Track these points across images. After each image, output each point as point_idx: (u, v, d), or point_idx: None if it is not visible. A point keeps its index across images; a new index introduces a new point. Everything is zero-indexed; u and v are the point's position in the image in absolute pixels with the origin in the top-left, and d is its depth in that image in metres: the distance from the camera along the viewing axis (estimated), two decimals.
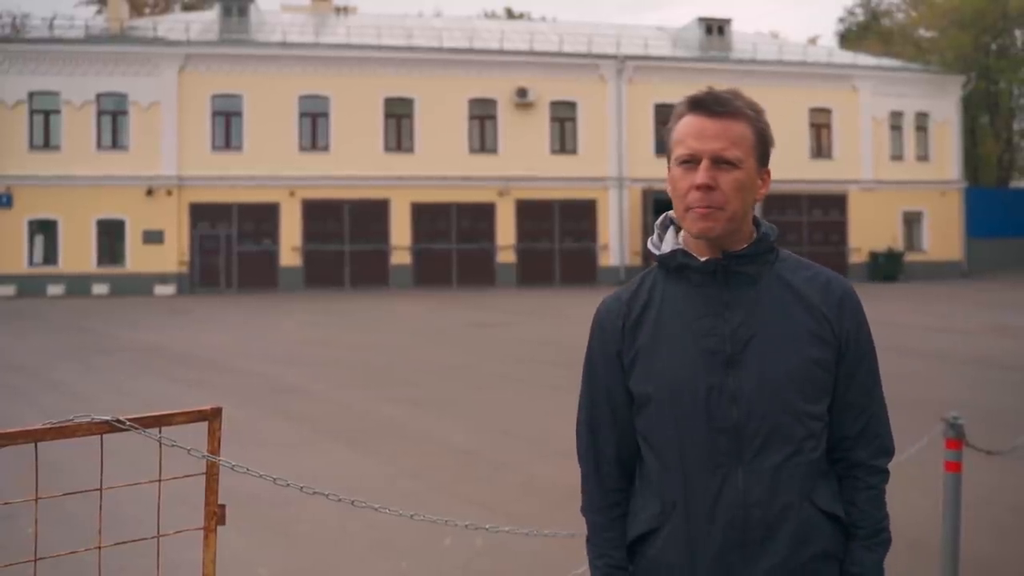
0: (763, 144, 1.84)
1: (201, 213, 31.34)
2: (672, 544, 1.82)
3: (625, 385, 1.89)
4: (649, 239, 1.96)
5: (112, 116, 31.29)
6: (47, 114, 30.90)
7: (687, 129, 1.81)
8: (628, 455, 1.93)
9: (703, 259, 1.83)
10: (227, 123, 31.85)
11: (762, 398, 1.77)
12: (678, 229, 1.92)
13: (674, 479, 1.82)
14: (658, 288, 1.89)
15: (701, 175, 1.78)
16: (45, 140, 30.88)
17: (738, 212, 1.81)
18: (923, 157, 37.30)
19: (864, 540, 1.85)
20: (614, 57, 34.37)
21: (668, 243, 1.90)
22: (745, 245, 1.84)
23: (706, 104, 1.81)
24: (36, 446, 2.12)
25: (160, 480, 2.29)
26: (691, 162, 1.80)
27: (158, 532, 2.35)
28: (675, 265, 1.86)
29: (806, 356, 1.80)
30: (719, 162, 1.78)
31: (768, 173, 1.88)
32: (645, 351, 1.85)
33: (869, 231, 35.73)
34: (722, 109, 1.80)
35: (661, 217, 1.97)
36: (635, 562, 1.90)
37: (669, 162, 1.87)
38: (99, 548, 2.25)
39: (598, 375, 1.94)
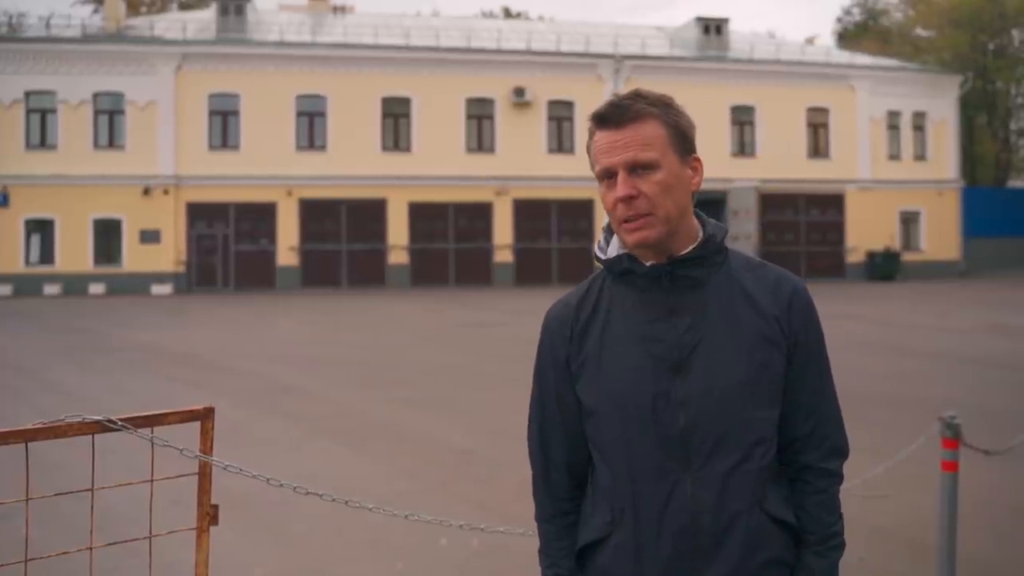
0: (679, 135, 1.80)
1: (198, 212, 31.31)
2: (620, 552, 1.79)
3: (574, 392, 1.86)
4: (596, 243, 1.93)
5: (109, 115, 31.24)
6: (43, 113, 30.86)
7: (599, 145, 1.80)
8: (579, 462, 1.89)
9: (648, 264, 1.80)
10: (224, 122, 31.82)
11: (709, 405, 1.74)
12: None
13: (622, 487, 1.79)
14: (605, 293, 1.86)
15: (620, 187, 1.75)
16: (42, 139, 30.83)
17: (671, 212, 1.77)
18: (920, 157, 37.33)
19: (815, 546, 1.81)
20: (612, 57, 34.38)
21: (614, 248, 1.87)
22: (691, 246, 1.80)
23: (609, 116, 1.79)
24: (27, 446, 2.11)
25: (152, 480, 2.28)
26: (610, 176, 1.78)
27: (150, 532, 2.34)
28: (621, 270, 1.83)
29: (755, 360, 1.76)
30: (636, 168, 1.75)
31: (697, 160, 1.83)
32: (592, 358, 1.82)
33: (866, 231, 35.75)
34: (625, 117, 1.77)
35: (607, 221, 1.93)
36: (584, 570, 1.87)
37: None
38: (91, 548, 2.23)
39: (548, 382, 1.91)
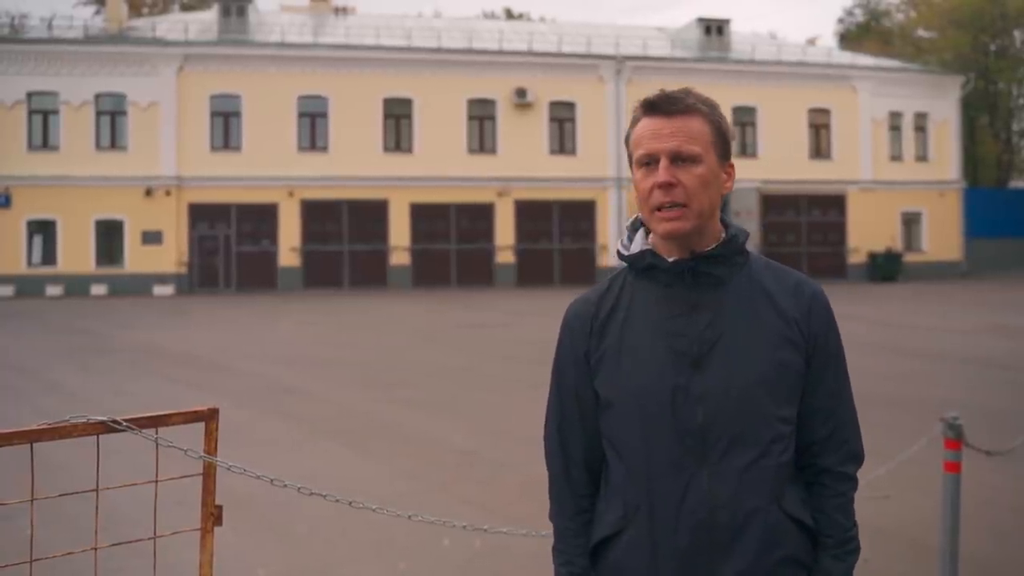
0: (722, 138, 1.84)
1: (200, 213, 31.33)
2: (635, 547, 1.80)
3: (593, 387, 1.87)
4: (619, 240, 1.95)
5: (111, 116, 31.27)
6: (46, 114, 30.88)
7: (644, 131, 1.82)
8: (596, 459, 1.91)
9: (671, 260, 1.82)
10: (226, 123, 31.84)
11: (728, 400, 1.76)
12: (648, 230, 1.90)
13: (638, 481, 1.80)
14: (627, 290, 1.88)
15: (661, 173, 1.78)
16: (44, 140, 30.86)
17: (704, 209, 1.80)
18: (922, 157, 37.31)
19: (832, 549, 1.83)
20: (613, 58, 34.38)
21: (637, 244, 1.89)
22: (714, 245, 1.83)
23: (660, 105, 1.81)
24: (32, 447, 2.12)
25: (156, 481, 2.28)
26: (651, 163, 1.80)
27: (155, 533, 2.34)
28: (644, 266, 1.85)
29: (774, 358, 1.79)
30: (678, 159, 1.78)
31: (732, 167, 1.88)
32: (611, 352, 1.84)
33: (868, 231, 35.73)
34: (676, 107, 1.80)
35: (631, 218, 1.96)
36: (597, 566, 1.88)
37: (631, 168, 1.86)
38: (95, 549, 2.24)
39: (567, 377, 1.92)
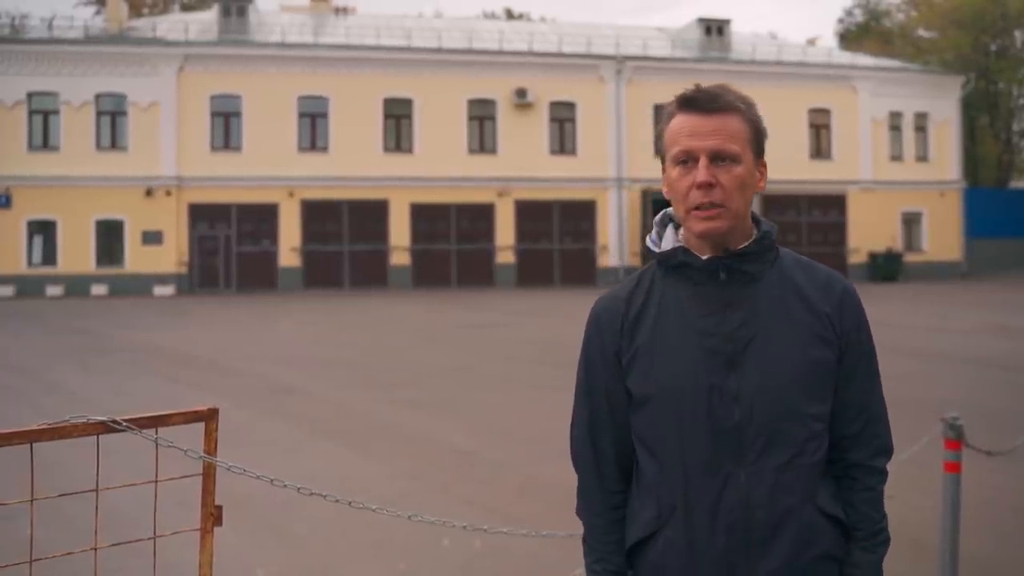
0: (758, 136, 1.82)
1: (200, 213, 31.35)
2: (673, 547, 1.79)
3: (624, 385, 1.85)
4: (648, 236, 1.93)
5: (111, 116, 31.29)
6: (46, 114, 30.91)
7: (681, 128, 1.79)
8: (626, 455, 1.89)
9: (704, 258, 1.80)
10: (226, 123, 31.85)
11: (763, 399, 1.75)
12: (677, 226, 1.89)
13: (673, 481, 1.79)
14: (657, 287, 1.86)
15: (701, 173, 1.75)
16: (44, 140, 30.88)
17: (740, 209, 1.78)
18: (922, 157, 37.31)
19: (863, 541, 1.83)
20: (613, 58, 34.39)
21: (668, 241, 1.87)
22: (746, 243, 1.81)
23: (698, 101, 1.78)
24: (32, 447, 2.11)
25: (156, 481, 2.28)
26: (688, 161, 1.77)
27: (155, 533, 2.34)
28: (675, 263, 1.83)
29: (808, 356, 1.78)
30: (717, 159, 1.76)
31: (765, 165, 1.86)
32: (644, 351, 1.82)
33: (868, 232, 35.74)
34: (714, 105, 1.77)
35: (660, 214, 1.94)
36: (635, 566, 1.87)
37: (664, 164, 1.84)
38: (95, 549, 2.24)
39: (597, 374, 1.90)
